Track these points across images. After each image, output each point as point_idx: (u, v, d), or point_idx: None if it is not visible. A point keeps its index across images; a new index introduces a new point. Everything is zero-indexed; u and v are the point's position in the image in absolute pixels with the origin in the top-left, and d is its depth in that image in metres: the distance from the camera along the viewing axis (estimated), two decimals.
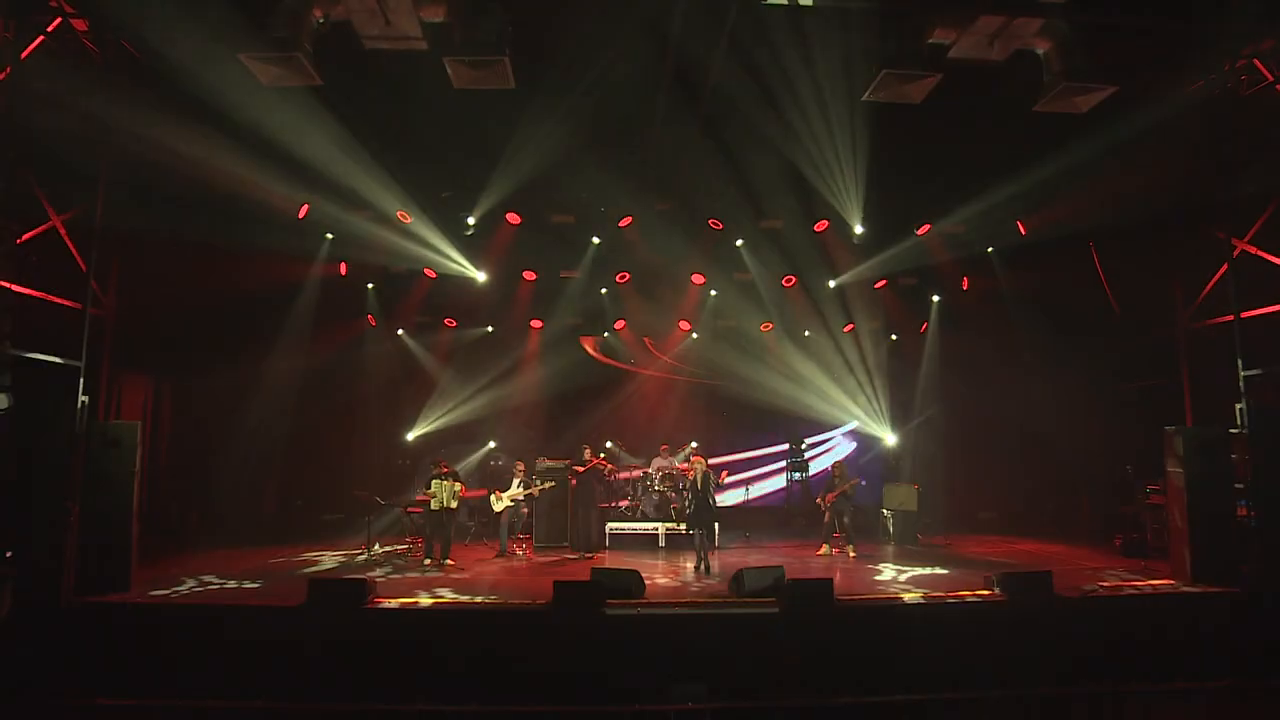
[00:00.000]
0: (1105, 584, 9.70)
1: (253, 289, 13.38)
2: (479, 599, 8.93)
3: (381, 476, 15.48)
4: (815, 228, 13.34)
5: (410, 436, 15.76)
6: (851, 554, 12.33)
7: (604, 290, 15.31)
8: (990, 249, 13.93)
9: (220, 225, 12.26)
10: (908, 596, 9.21)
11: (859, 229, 12.88)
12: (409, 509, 12.42)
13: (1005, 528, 15.41)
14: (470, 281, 14.25)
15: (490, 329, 15.88)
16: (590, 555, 12.12)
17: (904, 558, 12.17)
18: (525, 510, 12.72)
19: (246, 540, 13.35)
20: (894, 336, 16.53)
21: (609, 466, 12.55)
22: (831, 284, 14.79)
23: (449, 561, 11.24)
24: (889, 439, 16.62)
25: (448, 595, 9.19)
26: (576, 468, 12.43)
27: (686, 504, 11.18)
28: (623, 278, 14.93)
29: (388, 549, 12.55)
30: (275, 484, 15.86)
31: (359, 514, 12.24)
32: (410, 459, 15.74)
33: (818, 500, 12.86)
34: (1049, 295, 13.95)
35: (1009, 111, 10.05)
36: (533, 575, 10.87)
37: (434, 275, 14.50)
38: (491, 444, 16.29)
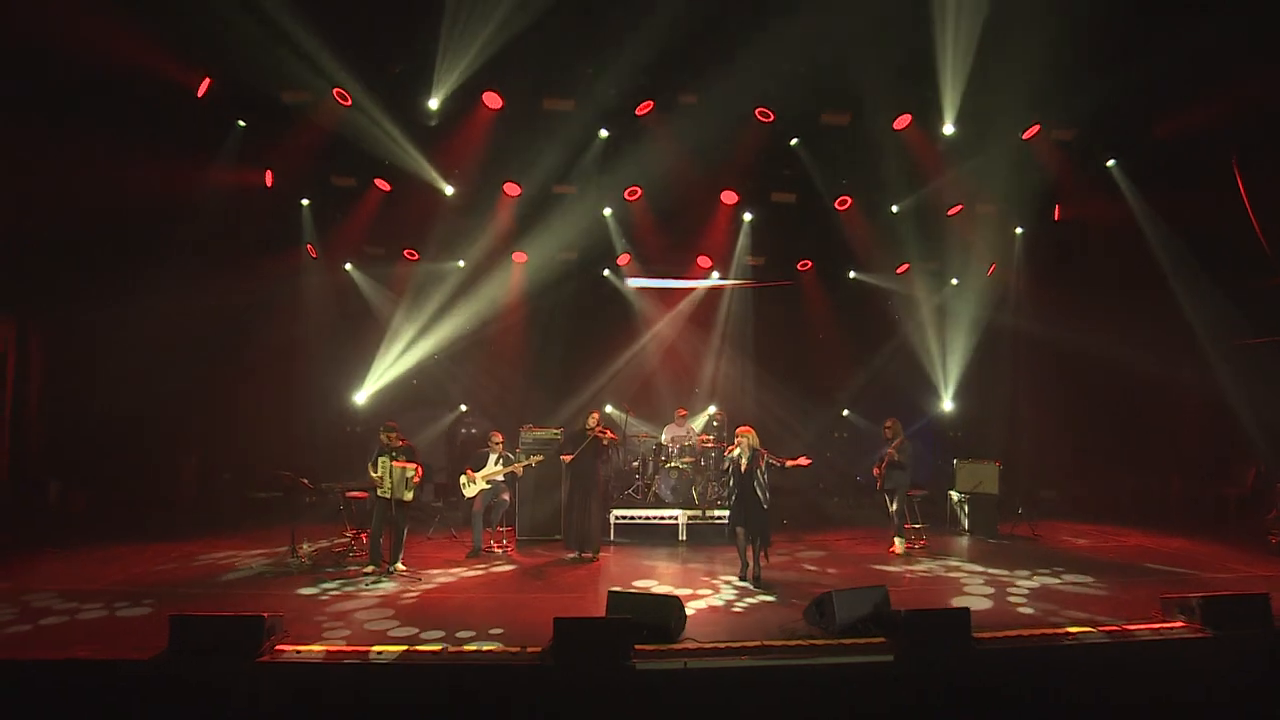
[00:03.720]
0: None
1: (146, 199, 10.05)
2: (436, 644, 5.88)
3: (326, 446, 12.41)
4: (894, 125, 10.15)
5: (360, 398, 12.60)
6: (897, 549, 9.49)
7: (608, 211, 12.07)
8: (1111, 161, 10.87)
9: (95, 111, 8.99)
10: (1075, 632, 6.31)
11: (950, 128, 9.79)
12: (349, 493, 9.31)
13: (1073, 511, 12.60)
14: (435, 196, 10.98)
15: (461, 263, 12.63)
16: (591, 556, 9.15)
17: (996, 558, 9.28)
18: (506, 495, 9.65)
19: (153, 529, 10.41)
20: (954, 281, 13.56)
21: (611, 437, 9.46)
22: (894, 209, 11.73)
23: (400, 567, 8.20)
24: (945, 405, 13.83)
25: (391, 633, 6.18)
26: (595, 430, 9.29)
27: (728, 491, 8.22)
28: (633, 194, 11.68)
29: (323, 544, 9.49)
30: (196, 455, 12.73)
31: (299, 491, 9.16)
32: (361, 425, 12.62)
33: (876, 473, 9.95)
34: (1172, 224, 11.04)
35: None
36: (519, 589, 7.86)
37: (388, 188, 11.22)
38: (462, 408, 13.19)
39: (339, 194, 11.48)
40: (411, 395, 12.81)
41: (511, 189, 11.47)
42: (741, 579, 8.05)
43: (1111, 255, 12.02)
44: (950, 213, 12.07)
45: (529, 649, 5.56)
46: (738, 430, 8.16)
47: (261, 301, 11.75)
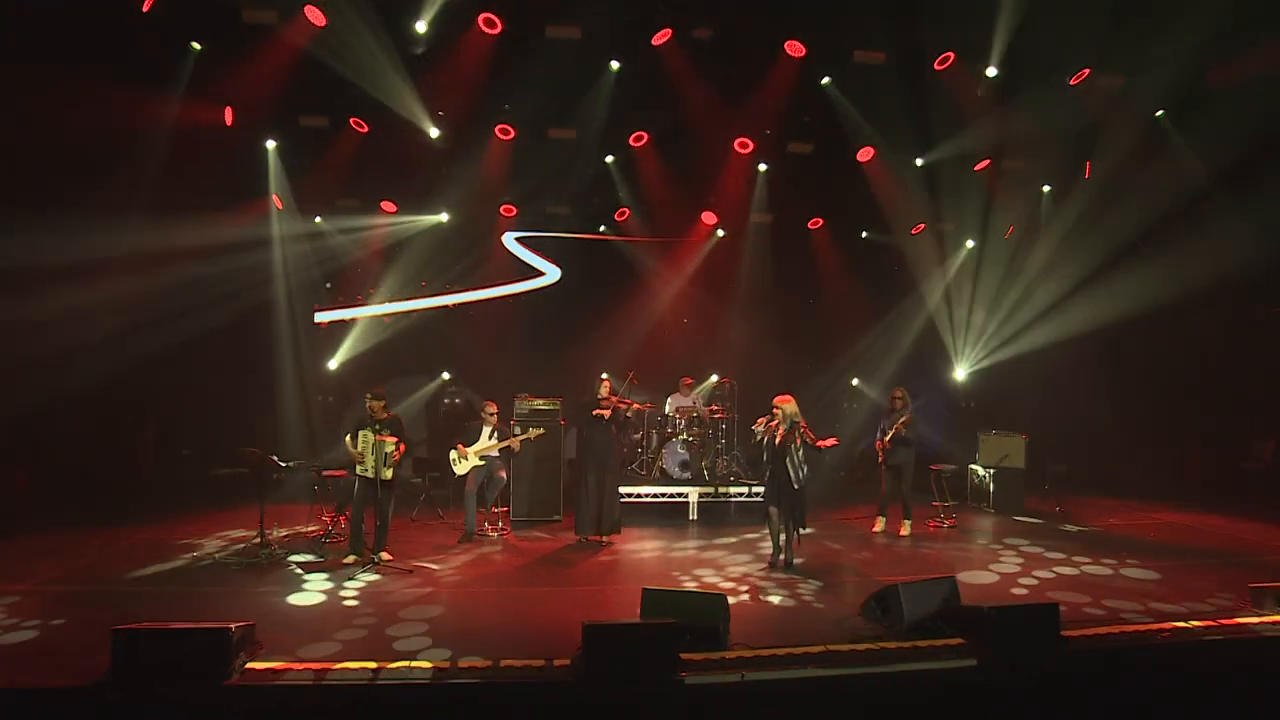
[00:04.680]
0: None
1: (83, 138, 8.72)
2: (441, 658, 4.93)
3: (296, 418, 11.30)
4: (935, 65, 9.21)
5: (333, 364, 11.48)
6: (903, 531, 8.78)
7: (610, 159, 10.99)
8: (1160, 112, 10.05)
9: (14, 29, 7.70)
10: (1169, 627, 5.56)
11: (993, 70, 8.91)
12: (325, 472, 8.27)
13: (1090, 486, 12.01)
14: (418, 139, 9.80)
15: (444, 216, 11.49)
16: (607, 540, 8.25)
17: (1037, 538, 8.58)
18: (502, 472, 8.69)
19: (103, 512, 9.25)
20: (970, 243, 12.77)
21: (638, 407, 8.57)
22: (919, 161, 10.86)
23: (385, 556, 7.20)
24: (958, 374, 13.16)
25: (387, 643, 5.22)
26: (610, 400, 8.37)
27: (763, 467, 7.42)
28: (639, 139, 10.60)
29: (297, 530, 8.46)
30: (152, 428, 11.55)
31: (267, 469, 8.03)
32: (335, 395, 11.52)
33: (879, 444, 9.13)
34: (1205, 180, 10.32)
35: None
36: (526, 582, 6.92)
37: (365, 129, 10.02)
38: (445, 375, 12.15)
39: (309, 136, 10.22)
40: (389, 362, 11.72)
41: (505, 130, 10.31)
42: (773, 566, 7.23)
43: (1140, 215, 11.27)
44: (977, 168, 11.23)
45: (555, 662, 4.64)
46: (775, 400, 7.27)
47: (222, 257, 10.53)
